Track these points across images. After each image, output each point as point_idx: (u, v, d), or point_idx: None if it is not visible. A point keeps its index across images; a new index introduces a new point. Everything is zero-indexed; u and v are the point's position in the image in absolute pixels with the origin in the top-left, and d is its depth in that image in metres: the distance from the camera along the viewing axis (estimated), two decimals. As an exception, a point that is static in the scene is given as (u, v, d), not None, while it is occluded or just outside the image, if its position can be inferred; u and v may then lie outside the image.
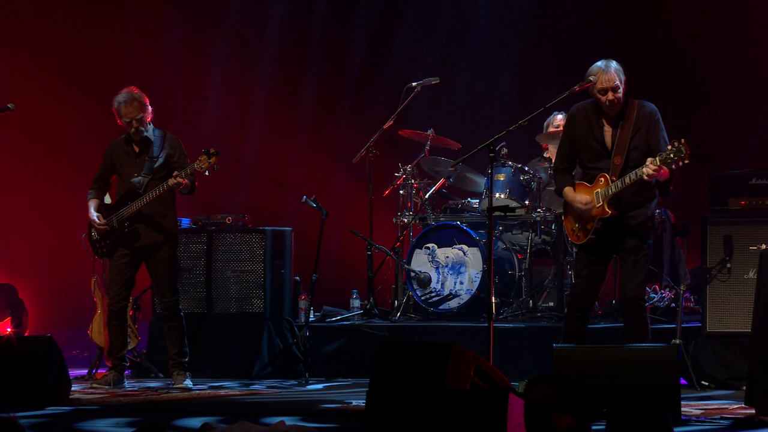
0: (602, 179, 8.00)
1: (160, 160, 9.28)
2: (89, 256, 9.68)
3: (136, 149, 9.33)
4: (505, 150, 10.58)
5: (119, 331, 9.42)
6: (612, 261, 8.59)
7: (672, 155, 7.73)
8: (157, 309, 9.81)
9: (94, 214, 9.35)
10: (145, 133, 9.27)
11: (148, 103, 9.27)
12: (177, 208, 9.46)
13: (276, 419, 7.14)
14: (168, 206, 9.32)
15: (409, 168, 10.92)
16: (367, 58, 12.88)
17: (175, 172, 9.08)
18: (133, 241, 9.27)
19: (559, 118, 10.81)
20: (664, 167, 7.79)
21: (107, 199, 9.62)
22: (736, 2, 11.77)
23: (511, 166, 10.56)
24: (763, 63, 11.76)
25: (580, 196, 8.07)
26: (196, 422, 7.23)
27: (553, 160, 10.86)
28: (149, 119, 9.29)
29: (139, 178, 9.24)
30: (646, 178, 7.82)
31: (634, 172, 7.86)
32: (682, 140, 7.74)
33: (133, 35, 12.60)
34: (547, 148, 11.05)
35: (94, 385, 9.33)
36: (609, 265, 8.48)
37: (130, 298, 9.85)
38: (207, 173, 9.11)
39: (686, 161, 7.74)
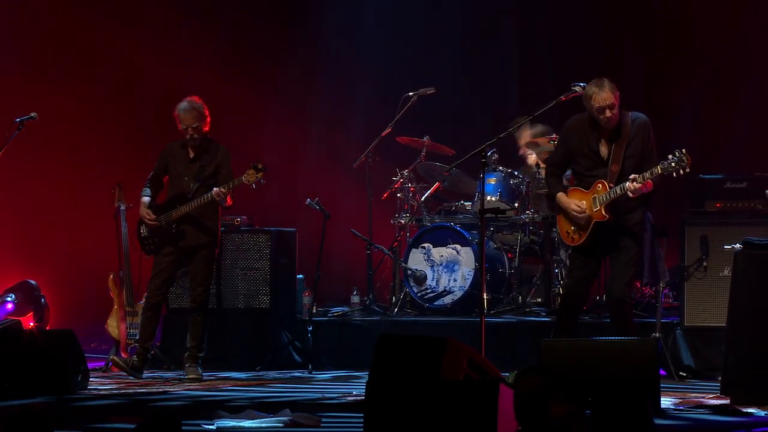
0: (600, 185, 7.99)
1: (211, 169, 9.33)
2: (135, 251, 9.81)
3: (191, 155, 9.37)
4: (495, 156, 10.60)
5: (151, 322, 9.50)
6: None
7: (674, 164, 7.72)
8: (186, 301, 9.84)
9: (145, 211, 9.40)
10: (200, 141, 9.31)
11: (207, 114, 9.32)
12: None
13: (281, 408, 7.15)
14: (213, 210, 9.38)
15: (406, 172, 10.93)
16: (369, 70, 12.87)
17: (222, 188, 9.10)
18: (179, 240, 9.33)
19: (526, 134, 10.83)
20: (649, 181, 7.80)
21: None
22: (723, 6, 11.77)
23: (501, 171, 10.58)
24: (740, 72, 11.76)
25: (574, 203, 8.05)
26: (206, 411, 7.24)
27: (539, 164, 10.91)
28: (206, 128, 9.33)
29: (191, 183, 9.30)
30: (631, 194, 7.83)
31: (620, 186, 7.86)
32: (683, 150, 7.73)
33: (150, 40, 12.59)
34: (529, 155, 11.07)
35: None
36: (600, 266, 8.51)
37: (145, 294, 9.90)
38: (254, 186, 9.18)
39: (687, 170, 7.74)
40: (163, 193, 9.58)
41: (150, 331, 9.49)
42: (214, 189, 9.16)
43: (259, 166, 9.14)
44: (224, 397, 8.22)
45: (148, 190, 9.50)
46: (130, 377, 9.23)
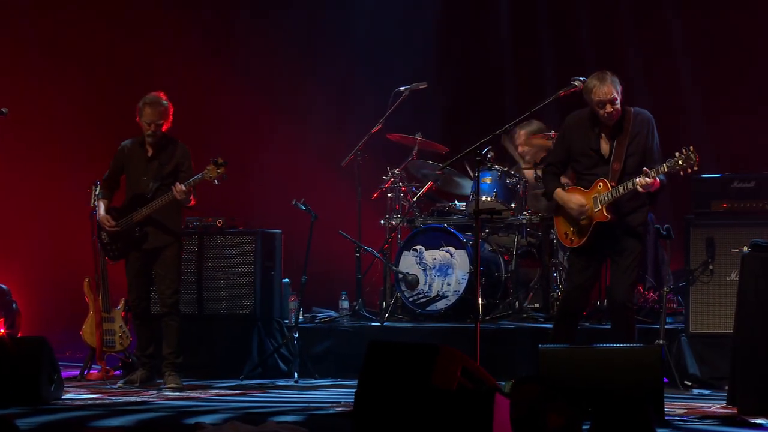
0: (600, 184, 7.99)
1: (170, 167, 9.32)
2: (99, 256, 9.72)
3: (149, 153, 9.35)
4: (491, 153, 10.59)
5: (143, 330, 9.55)
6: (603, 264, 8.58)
7: (681, 162, 7.71)
8: (157, 306, 9.82)
9: (104, 217, 9.39)
10: (159, 139, 9.29)
11: (171, 113, 9.33)
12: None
13: (266, 419, 7.14)
14: (175, 209, 9.38)
15: (397, 171, 10.92)
16: (359, 65, 12.86)
17: (183, 185, 9.08)
18: (142, 243, 9.32)
19: (522, 134, 10.85)
20: (656, 178, 7.79)
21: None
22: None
23: (497, 170, 10.56)
24: (746, 70, 11.78)
25: (575, 198, 8.04)
26: (187, 422, 7.22)
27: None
28: (166, 127, 9.32)
29: (150, 182, 9.27)
30: (640, 189, 7.82)
31: (630, 181, 7.86)
32: (691, 147, 7.71)
33: (130, 35, 12.58)
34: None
35: (120, 384, 9.38)
36: (601, 269, 8.50)
37: (122, 299, 9.89)
38: (216, 182, 9.18)
39: (695, 168, 7.73)
40: (120, 193, 9.55)
41: (146, 339, 9.57)
42: (176, 185, 9.14)
43: (220, 161, 9.14)
44: (206, 408, 8.19)
45: (103, 192, 9.50)
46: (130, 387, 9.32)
